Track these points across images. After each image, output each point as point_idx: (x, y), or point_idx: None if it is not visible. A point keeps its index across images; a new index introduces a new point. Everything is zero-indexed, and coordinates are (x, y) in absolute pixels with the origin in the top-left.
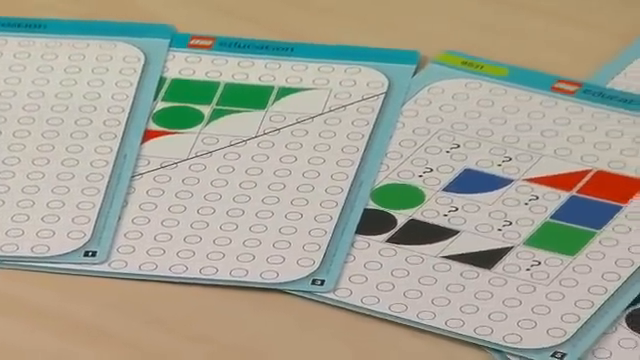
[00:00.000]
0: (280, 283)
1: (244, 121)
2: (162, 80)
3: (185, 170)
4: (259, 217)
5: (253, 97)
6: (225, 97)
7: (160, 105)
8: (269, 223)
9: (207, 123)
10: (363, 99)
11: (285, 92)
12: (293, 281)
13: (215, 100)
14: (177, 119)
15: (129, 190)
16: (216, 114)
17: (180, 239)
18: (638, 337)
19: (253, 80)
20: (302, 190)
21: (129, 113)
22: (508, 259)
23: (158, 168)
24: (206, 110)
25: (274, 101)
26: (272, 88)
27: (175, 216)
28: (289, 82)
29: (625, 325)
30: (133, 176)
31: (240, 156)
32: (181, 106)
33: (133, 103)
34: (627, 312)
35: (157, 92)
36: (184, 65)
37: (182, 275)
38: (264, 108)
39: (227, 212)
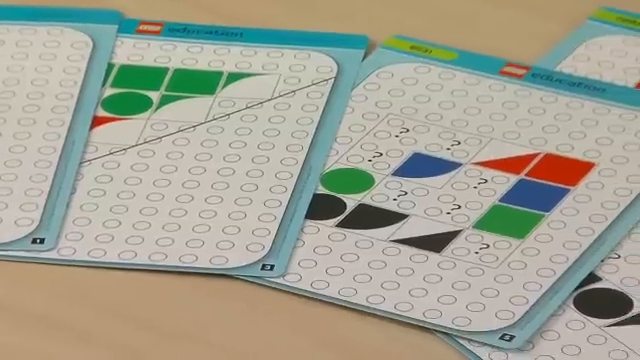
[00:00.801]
0: (230, 268)
1: (193, 107)
2: (110, 66)
3: (134, 156)
4: (208, 203)
5: (202, 82)
6: (174, 83)
7: (108, 91)
8: (218, 209)
9: (156, 109)
10: (312, 84)
11: (234, 77)
12: (243, 266)
13: (164, 86)
14: (126, 105)
15: (77, 177)
16: (165, 100)
17: (129, 225)
18: (586, 318)
19: (202, 65)
20: (252, 175)
21: (77, 99)
22: (457, 242)
23: (107, 154)
24: (155, 96)
25: (223, 86)
26: (221, 73)
27: (124, 202)
28: (238, 67)
29: (573, 307)
30: (81, 163)
31: (189, 142)
32: (130, 92)
33: (81, 89)
34: (575, 294)
35: (105, 78)
36: (132, 51)
37: (131, 261)
38: (213, 93)
39: (176, 198)
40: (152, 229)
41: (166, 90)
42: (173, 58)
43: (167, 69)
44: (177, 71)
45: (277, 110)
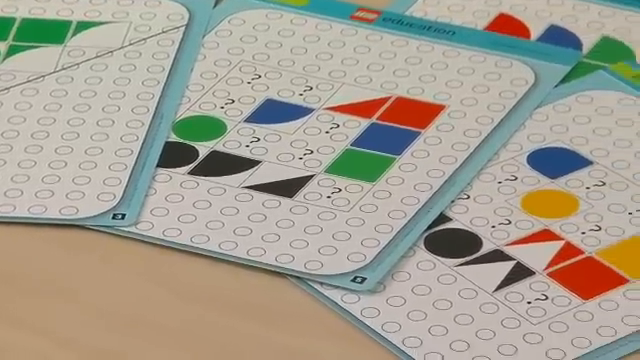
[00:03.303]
0: (80, 219)
1: (42, 57)
2: None
3: None
4: (58, 153)
5: (51, 32)
6: (22, 32)
7: None
8: (68, 159)
9: (3, 59)
10: (163, 32)
11: (84, 26)
12: (93, 216)
13: (11, 36)
14: None
15: None
16: (13, 50)
17: None
18: (436, 258)
19: (50, 14)
20: (102, 125)
21: None
22: (309, 187)
23: None
24: (2, 47)
25: (72, 35)
26: (70, 22)
27: None
28: (88, 16)
29: (423, 248)
30: None
31: (38, 92)
32: None
33: None
34: (426, 235)
35: None
36: None
37: None
38: (62, 43)
39: (25, 149)
40: None
41: (13, 40)
42: (20, 7)
43: (14, 19)
44: (25, 20)
45: (128, 59)
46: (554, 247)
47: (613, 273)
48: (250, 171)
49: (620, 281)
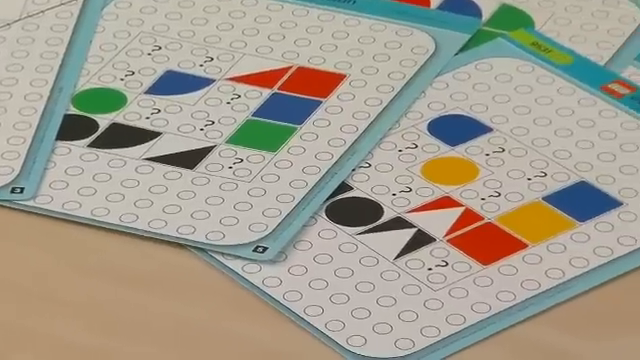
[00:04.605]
0: None
1: None
2: None
3: None
4: None
5: None
6: None
7: None
8: None
9: None
10: (62, 4)
11: None
12: None
13: None
14: None
15: None
16: None
17: None
18: (337, 227)
19: None
20: (0, 99)
21: None
22: (211, 158)
23: None
24: None
25: None
26: None
27: None
28: None
29: (325, 217)
30: None
31: None
32: None
33: None
34: (327, 204)
35: None
36: None
37: None
38: None
39: None
40: None
41: None
42: None
43: None
44: None
45: (25, 31)
46: (454, 214)
47: (512, 238)
48: (151, 143)
49: (519, 246)
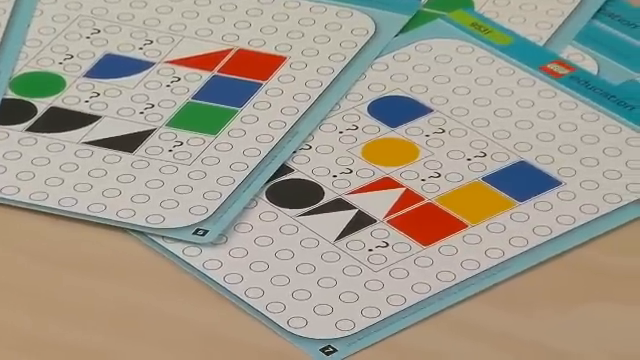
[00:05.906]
0: None
1: None
2: None
3: None
4: None
5: None
6: None
7: None
8: None
9: None
10: None
11: None
12: None
13: None
14: None
15: None
16: None
17: None
18: (278, 209)
19: None
20: None
21: None
22: (150, 141)
23: None
24: None
25: None
26: None
27: None
28: None
29: (266, 199)
30: None
31: None
32: None
33: None
34: (268, 186)
35: None
36: None
37: None
38: None
39: None
40: None
41: None
42: None
43: None
44: None
45: None
46: (394, 195)
47: (452, 219)
48: (90, 126)
49: (459, 226)
